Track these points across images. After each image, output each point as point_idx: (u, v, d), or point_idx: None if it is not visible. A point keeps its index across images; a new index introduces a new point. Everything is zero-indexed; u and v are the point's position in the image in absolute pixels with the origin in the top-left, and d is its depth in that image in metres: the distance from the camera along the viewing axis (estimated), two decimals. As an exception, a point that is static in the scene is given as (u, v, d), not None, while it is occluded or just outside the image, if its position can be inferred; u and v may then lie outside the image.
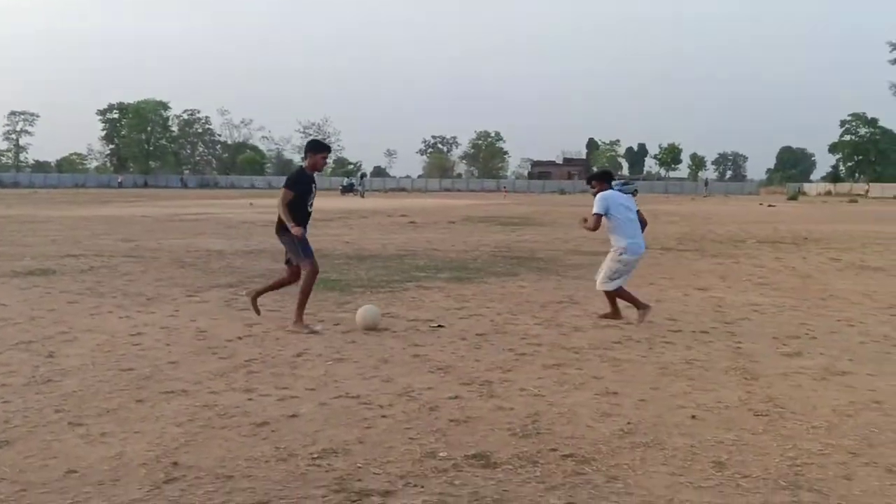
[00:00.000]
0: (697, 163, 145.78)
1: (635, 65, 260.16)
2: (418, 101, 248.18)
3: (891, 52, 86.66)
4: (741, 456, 4.05)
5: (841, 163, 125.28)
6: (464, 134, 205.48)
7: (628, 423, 4.60)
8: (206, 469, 3.84)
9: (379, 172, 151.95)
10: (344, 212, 32.92)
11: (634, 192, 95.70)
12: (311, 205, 7.53)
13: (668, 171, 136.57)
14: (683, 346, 6.84)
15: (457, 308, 8.68)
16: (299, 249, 7.28)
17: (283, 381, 5.50)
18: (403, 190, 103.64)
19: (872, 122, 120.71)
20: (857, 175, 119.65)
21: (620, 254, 7.95)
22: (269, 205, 40.08)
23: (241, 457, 4.02)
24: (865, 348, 6.85)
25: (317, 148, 7.68)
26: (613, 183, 8.68)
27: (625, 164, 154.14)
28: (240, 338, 6.96)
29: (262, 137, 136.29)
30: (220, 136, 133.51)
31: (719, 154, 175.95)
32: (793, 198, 74.34)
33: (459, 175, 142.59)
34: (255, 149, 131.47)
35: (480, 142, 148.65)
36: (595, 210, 7.91)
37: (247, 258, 13.78)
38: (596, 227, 8.10)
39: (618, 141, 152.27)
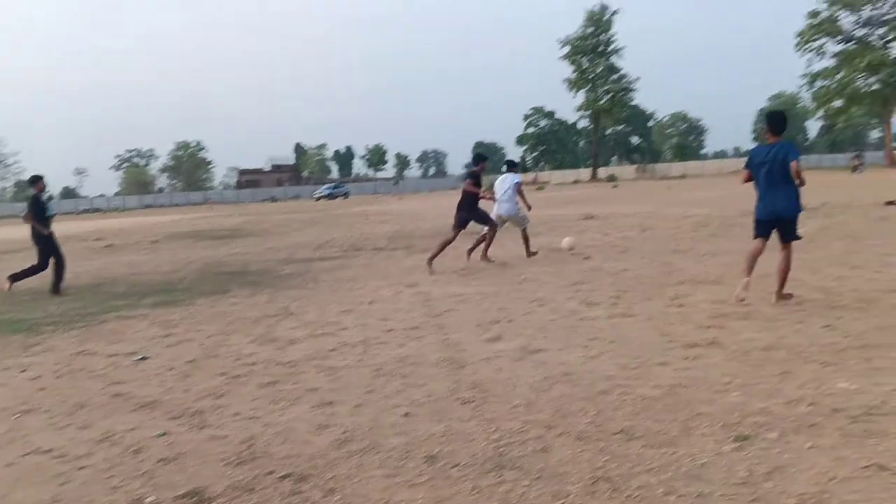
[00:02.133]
0: (402, 162, 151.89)
1: (335, 69, 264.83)
2: (105, 113, 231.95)
3: (561, 48, 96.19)
4: (451, 446, 4.25)
5: (527, 153, 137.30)
6: (162, 146, 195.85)
7: (344, 431, 4.63)
8: None
9: (68, 194, 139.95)
10: (28, 240, 29.65)
11: (346, 195, 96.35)
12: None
13: (375, 171, 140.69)
14: (396, 344, 7.05)
15: (163, 336, 8.18)
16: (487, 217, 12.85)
17: (-43, 447, 4.80)
18: (98, 210, 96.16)
19: (551, 115, 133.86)
20: (541, 164, 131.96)
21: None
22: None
23: None
24: (555, 324, 7.52)
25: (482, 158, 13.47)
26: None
27: (334, 167, 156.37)
28: None
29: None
30: None
31: (422, 152, 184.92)
32: (488, 189, 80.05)
33: (161, 190, 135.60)
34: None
35: (181, 153, 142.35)
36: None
37: None
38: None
39: (325, 145, 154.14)
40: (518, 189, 13.21)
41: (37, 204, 12.46)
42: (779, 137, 7.80)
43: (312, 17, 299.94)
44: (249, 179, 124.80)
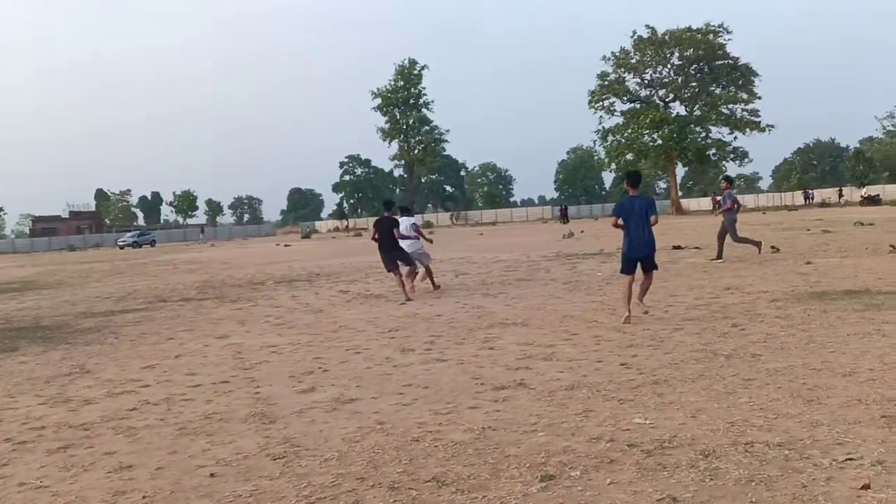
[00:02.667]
0: (214, 208, 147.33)
1: (140, 115, 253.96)
2: None
3: (373, 99, 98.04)
4: (259, 506, 4.08)
5: (344, 200, 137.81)
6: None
7: (143, 497, 4.32)
8: None
9: None
10: None
11: (152, 243, 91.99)
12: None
13: (185, 218, 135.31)
14: (203, 400, 6.71)
15: (-65, 401, 7.32)
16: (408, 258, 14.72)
17: None
18: None
19: (367, 163, 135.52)
20: (359, 210, 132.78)
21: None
22: None
23: None
24: (371, 372, 7.48)
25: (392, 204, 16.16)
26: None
27: (140, 214, 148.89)
28: None
29: None
30: None
31: (235, 198, 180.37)
32: (306, 236, 79.43)
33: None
34: None
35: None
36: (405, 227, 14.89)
37: None
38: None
39: (129, 191, 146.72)
40: (417, 229, 15.39)
41: None
42: (636, 191, 10.05)
43: (112, 61, 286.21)
44: (46, 227, 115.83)
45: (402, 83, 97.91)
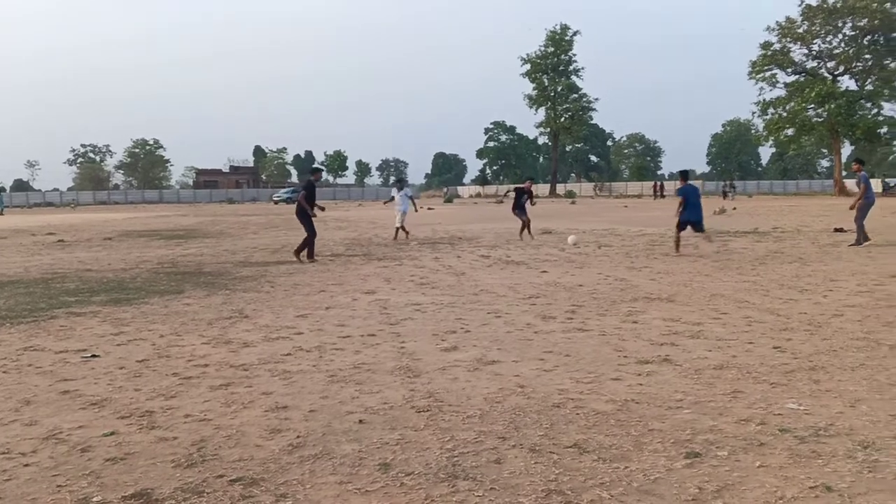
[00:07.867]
0: (363, 169, 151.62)
1: (294, 73, 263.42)
2: (58, 104, 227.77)
3: (522, 66, 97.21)
4: (405, 454, 4.23)
5: (487, 167, 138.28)
6: (118, 142, 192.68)
7: (298, 436, 4.58)
8: None
9: (20, 186, 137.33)
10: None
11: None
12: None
13: (336, 177, 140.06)
14: (352, 350, 7.00)
15: (114, 334, 8.01)
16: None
17: None
18: (51, 205, 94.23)
19: (511, 130, 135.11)
20: (501, 177, 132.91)
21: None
22: None
23: None
24: (511, 337, 7.55)
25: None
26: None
27: (293, 171, 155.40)
28: None
29: None
30: None
31: (382, 160, 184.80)
32: (449, 201, 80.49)
33: (117, 186, 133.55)
34: None
35: (138, 150, 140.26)
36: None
37: None
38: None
39: (285, 149, 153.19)
40: (411, 198, 22.61)
41: (311, 189, 16.25)
42: (686, 182, 16.35)
43: (281, 20, 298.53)
44: (208, 180, 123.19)
45: (552, 49, 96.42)
